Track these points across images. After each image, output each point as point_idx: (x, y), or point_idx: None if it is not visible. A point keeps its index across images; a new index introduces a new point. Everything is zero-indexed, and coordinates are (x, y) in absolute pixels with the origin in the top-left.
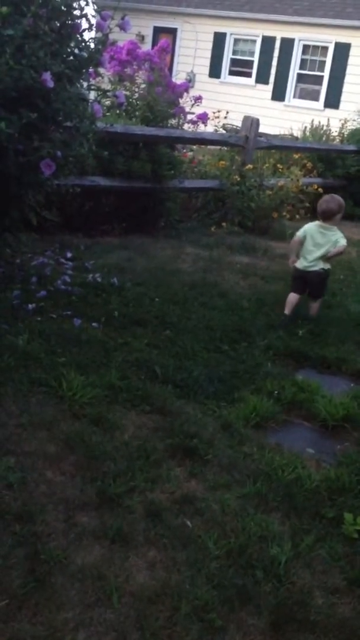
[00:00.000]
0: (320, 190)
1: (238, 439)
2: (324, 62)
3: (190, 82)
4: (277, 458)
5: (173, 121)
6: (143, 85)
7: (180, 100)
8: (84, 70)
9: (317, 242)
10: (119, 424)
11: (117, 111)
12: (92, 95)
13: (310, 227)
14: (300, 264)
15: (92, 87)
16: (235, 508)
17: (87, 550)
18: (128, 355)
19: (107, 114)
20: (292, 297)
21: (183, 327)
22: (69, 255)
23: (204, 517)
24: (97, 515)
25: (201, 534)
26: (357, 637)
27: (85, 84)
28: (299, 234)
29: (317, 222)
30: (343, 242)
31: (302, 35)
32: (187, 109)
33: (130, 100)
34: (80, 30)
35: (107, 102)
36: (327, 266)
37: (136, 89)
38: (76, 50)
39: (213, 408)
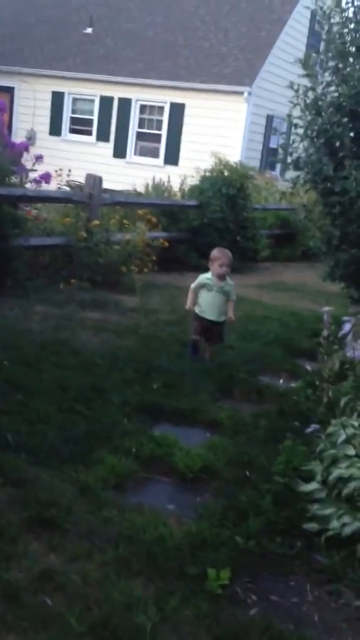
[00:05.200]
0: (166, 243)
1: (97, 503)
2: (161, 121)
3: (30, 140)
4: (138, 519)
5: (15, 179)
6: None
7: (22, 159)
8: None
9: None
10: None
11: None
12: None
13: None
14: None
15: None
16: (97, 578)
17: None
18: None
19: None
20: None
21: (35, 389)
22: None
23: (65, 591)
24: None
25: (63, 611)
26: None
27: None
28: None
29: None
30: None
31: (138, 96)
32: (28, 167)
33: None
34: None
35: None
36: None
37: None
38: None
39: (70, 472)
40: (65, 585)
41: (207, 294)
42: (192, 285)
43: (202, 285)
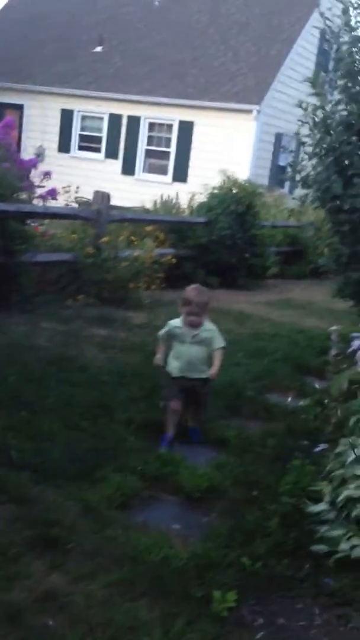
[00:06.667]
0: (173, 260)
1: (102, 522)
2: (170, 138)
3: (40, 156)
4: (143, 539)
5: (23, 196)
6: None
7: (30, 175)
8: None
9: None
10: None
11: None
12: None
13: None
14: None
15: None
16: (101, 599)
17: None
18: None
19: None
20: None
21: (40, 406)
22: None
23: (68, 612)
24: None
25: (65, 633)
26: None
27: None
28: None
29: None
30: None
31: (147, 114)
32: (36, 184)
33: None
34: None
35: None
36: None
37: None
38: None
39: (74, 491)
40: (68, 606)
41: (179, 346)
42: (159, 334)
43: (172, 336)
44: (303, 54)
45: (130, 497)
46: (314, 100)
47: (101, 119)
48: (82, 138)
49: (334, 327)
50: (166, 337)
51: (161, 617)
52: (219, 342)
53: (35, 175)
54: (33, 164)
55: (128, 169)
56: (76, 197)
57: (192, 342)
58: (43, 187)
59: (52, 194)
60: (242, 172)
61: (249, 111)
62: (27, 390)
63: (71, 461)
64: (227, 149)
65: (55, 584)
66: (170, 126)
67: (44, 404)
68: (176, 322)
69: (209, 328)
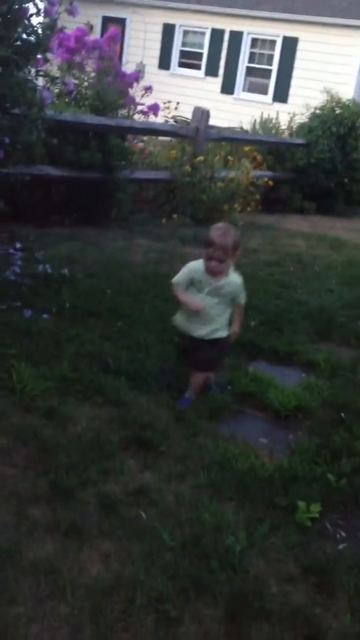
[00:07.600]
0: (270, 183)
1: (192, 430)
2: (272, 55)
3: (140, 72)
4: (230, 448)
5: (123, 111)
6: (92, 74)
7: (130, 90)
8: (31, 56)
9: None
10: (72, 416)
11: (66, 99)
12: (40, 81)
13: None
14: None
15: (41, 74)
16: (189, 499)
17: (39, 543)
18: (80, 347)
19: (56, 101)
20: None
21: (136, 318)
22: (18, 245)
23: (159, 508)
24: (50, 508)
25: (156, 525)
26: (311, 625)
27: (33, 70)
28: None
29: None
30: None
31: (250, 29)
32: (137, 99)
33: (80, 88)
34: (28, 15)
35: (56, 90)
36: None
37: (85, 78)
38: (24, 35)
39: (166, 399)
40: (159, 502)
41: (196, 295)
42: (175, 279)
43: (190, 281)
44: None
45: (219, 410)
46: None
47: (203, 34)
48: (183, 54)
49: None
50: (184, 281)
51: (246, 521)
52: (242, 298)
53: (136, 91)
54: (135, 77)
55: (228, 87)
56: (174, 116)
57: (208, 294)
58: (143, 104)
59: (154, 109)
60: (347, 92)
61: (357, 27)
62: (123, 303)
63: (164, 372)
64: (332, 67)
65: (148, 482)
66: (273, 42)
67: (139, 317)
68: (198, 265)
69: (233, 281)
